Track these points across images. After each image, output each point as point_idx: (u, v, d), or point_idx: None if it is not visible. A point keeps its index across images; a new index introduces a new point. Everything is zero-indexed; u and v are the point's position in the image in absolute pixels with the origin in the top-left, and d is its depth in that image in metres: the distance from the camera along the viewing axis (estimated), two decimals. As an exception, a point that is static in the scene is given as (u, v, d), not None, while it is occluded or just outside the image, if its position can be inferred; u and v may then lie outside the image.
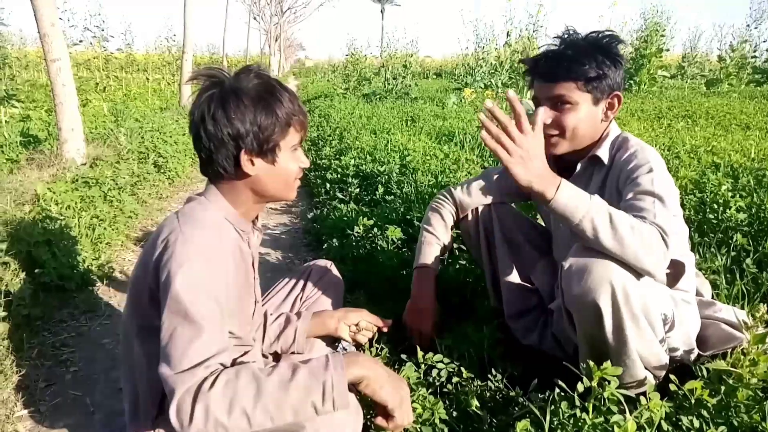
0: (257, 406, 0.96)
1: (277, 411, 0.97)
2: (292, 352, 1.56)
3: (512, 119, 1.19)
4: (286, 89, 1.19)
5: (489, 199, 1.83)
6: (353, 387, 1.13)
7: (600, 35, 1.45)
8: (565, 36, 1.47)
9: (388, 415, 1.16)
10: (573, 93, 1.42)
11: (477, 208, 1.85)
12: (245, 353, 1.33)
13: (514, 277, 1.77)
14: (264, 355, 1.53)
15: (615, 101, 1.46)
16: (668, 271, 1.39)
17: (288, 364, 1.03)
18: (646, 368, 1.28)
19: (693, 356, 1.41)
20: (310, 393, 0.99)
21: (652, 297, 1.23)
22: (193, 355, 0.98)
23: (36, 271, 2.47)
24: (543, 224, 1.88)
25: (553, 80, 1.43)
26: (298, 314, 1.58)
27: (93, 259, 2.79)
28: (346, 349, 1.63)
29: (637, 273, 1.21)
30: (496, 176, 1.83)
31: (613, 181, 1.46)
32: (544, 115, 1.46)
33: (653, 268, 1.18)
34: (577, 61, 1.40)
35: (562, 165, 1.62)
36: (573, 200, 1.18)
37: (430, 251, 1.83)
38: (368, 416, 1.30)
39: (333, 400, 1.00)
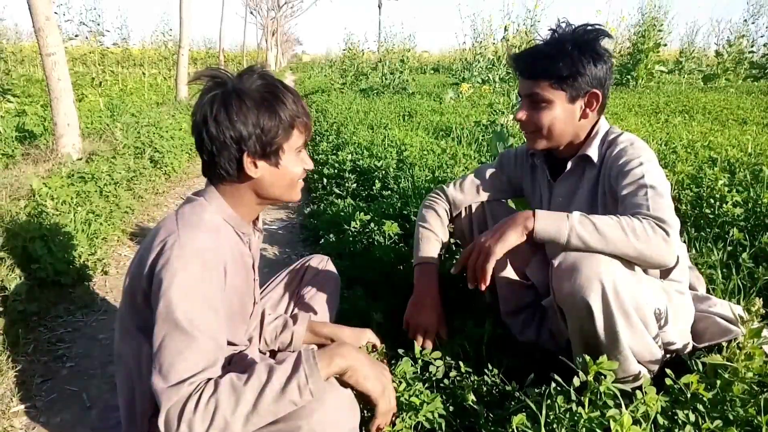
0: (237, 415, 0.97)
1: (256, 417, 0.98)
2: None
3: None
4: (290, 90, 1.18)
5: (482, 197, 1.82)
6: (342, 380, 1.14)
7: (585, 30, 1.45)
8: (557, 29, 1.47)
9: (372, 404, 1.18)
10: (546, 91, 1.44)
11: (470, 206, 1.84)
12: (240, 353, 1.33)
13: (510, 274, 1.76)
14: (261, 352, 1.53)
15: (593, 99, 1.45)
16: None
17: (264, 366, 1.03)
18: (639, 363, 1.28)
19: (689, 348, 1.41)
20: (286, 392, 0.99)
21: (643, 292, 1.24)
22: (180, 368, 0.99)
23: (32, 266, 2.46)
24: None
25: (529, 78, 1.47)
26: (294, 317, 1.58)
27: (89, 255, 2.78)
28: None
29: (628, 268, 1.22)
30: (489, 173, 1.83)
31: (605, 178, 1.47)
32: (518, 112, 1.51)
33: (661, 260, 1.22)
34: (550, 60, 1.41)
35: (554, 163, 1.63)
36: (551, 225, 1.24)
37: (428, 247, 1.81)
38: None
39: (310, 391, 1.01)
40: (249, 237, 1.27)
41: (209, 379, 1.01)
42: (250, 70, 1.17)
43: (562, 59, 1.40)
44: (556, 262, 1.24)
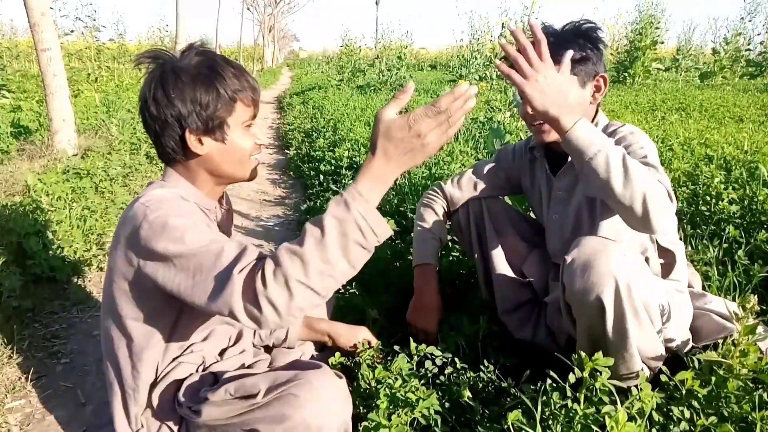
0: (312, 275, 0.91)
1: (331, 268, 0.92)
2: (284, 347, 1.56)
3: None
4: (232, 65, 1.16)
5: (480, 193, 1.82)
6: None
7: (579, 22, 1.46)
8: (550, 28, 1.47)
9: None
10: None
11: (468, 202, 1.83)
12: (236, 342, 1.33)
13: (507, 271, 1.76)
14: (255, 346, 1.52)
15: (601, 82, 1.46)
16: (662, 261, 1.39)
17: (310, 222, 0.96)
18: (642, 361, 1.27)
19: (688, 347, 1.41)
20: (347, 236, 0.92)
21: (652, 290, 1.23)
22: (223, 272, 0.95)
23: (26, 262, 2.45)
24: (534, 217, 1.87)
25: None
26: None
27: (84, 251, 2.77)
28: None
29: (639, 266, 1.20)
30: (486, 170, 1.82)
31: None
32: (525, 105, 1.44)
33: (657, 217, 1.14)
34: (559, 46, 1.39)
35: (553, 157, 1.62)
36: (589, 134, 1.15)
37: (427, 247, 1.81)
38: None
39: (372, 231, 0.94)
40: (215, 213, 1.26)
41: (259, 259, 0.96)
42: (189, 47, 1.17)
43: (570, 46, 1.38)
44: (568, 259, 1.22)
